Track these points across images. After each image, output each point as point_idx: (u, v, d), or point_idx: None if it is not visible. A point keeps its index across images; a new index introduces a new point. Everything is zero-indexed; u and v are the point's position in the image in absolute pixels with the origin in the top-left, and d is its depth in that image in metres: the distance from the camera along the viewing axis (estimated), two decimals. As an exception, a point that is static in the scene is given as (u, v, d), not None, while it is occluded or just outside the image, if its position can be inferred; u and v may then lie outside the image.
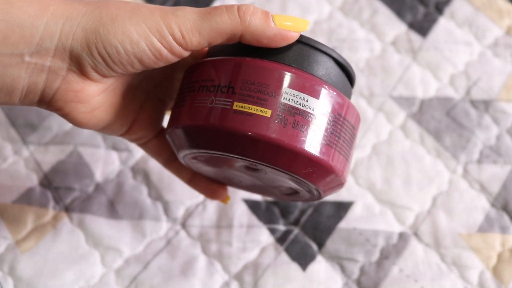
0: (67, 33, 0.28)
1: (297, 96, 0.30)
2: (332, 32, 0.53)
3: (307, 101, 0.30)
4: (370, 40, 0.53)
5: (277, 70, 0.30)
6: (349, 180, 0.46)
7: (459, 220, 0.44)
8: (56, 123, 0.48)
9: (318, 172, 0.31)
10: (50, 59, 0.29)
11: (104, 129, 0.34)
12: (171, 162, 0.39)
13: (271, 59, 0.30)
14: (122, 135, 0.35)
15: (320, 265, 0.42)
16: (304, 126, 0.29)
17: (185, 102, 0.31)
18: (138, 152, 0.47)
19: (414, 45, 0.52)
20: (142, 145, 0.38)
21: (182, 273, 0.42)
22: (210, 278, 0.42)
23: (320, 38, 0.53)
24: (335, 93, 0.31)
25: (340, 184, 0.33)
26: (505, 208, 0.45)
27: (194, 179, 0.39)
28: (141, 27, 0.28)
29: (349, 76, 0.33)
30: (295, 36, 0.30)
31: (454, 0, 0.55)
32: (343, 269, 0.42)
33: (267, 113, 0.29)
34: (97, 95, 0.31)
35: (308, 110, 0.30)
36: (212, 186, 0.40)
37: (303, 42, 0.31)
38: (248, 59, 0.30)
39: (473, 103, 0.49)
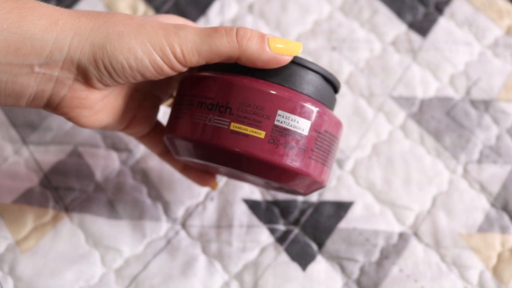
0: (75, 47, 0.30)
1: (289, 118, 0.32)
2: (332, 32, 0.53)
3: (297, 122, 0.32)
4: (370, 40, 0.53)
5: (272, 94, 0.32)
6: (349, 180, 0.46)
7: (459, 220, 0.44)
8: (56, 123, 0.48)
9: (304, 182, 0.34)
10: (58, 70, 0.30)
11: (105, 127, 0.35)
12: (166, 152, 0.40)
13: (266, 79, 0.33)
14: (121, 130, 0.37)
15: (320, 265, 0.42)
16: (294, 145, 0.32)
17: (184, 115, 0.33)
18: (138, 152, 0.47)
19: (414, 45, 0.52)
20: (139, 138, 0.39)
21: (182, 273, 0.42)
22: (210, 278, 0.42)
23: (320, 38, 0.53)
24: (322, 111, 0.33)
25: (321, 187, 0.36)
26: (505, 208, 0.45)
27: (187, 169, 0.42)
28: (146, 45, 0.30)
29: (335, 87, 0.36)
30: (288, 60, 0.32)
31: (454, 0, 0.55)
32: (343, 269, 0.42)
33: (262, 134, 0.31)
34: (100, 101, 0.33)
35: (298, 130, 0.32)
36: (203, 175, 0.42)
37: (295, 62, 0.33)
38: (245, 81, 0.32)
39: (473, 103, 0.49)
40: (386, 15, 0.54)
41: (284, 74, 0.33)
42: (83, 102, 0.32)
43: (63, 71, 0.30)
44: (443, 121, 0.49)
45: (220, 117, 0.32)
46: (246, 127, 0.31)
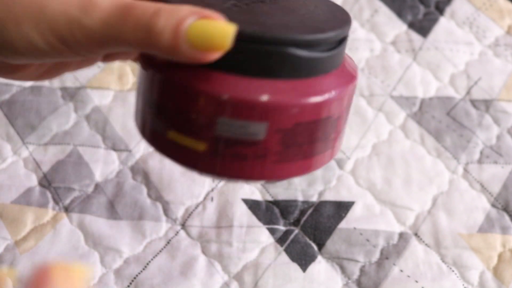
0: None
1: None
2: (332, 32, 0.53)
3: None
4: (370, 40, 0.53)
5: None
6: (349, 180, 0.46)
7: (460, 220, 0.44)
8: (56, 123, 0.48)
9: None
10: None
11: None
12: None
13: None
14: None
15: (320, 266, 0.42)
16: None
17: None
18: (138, 152, 0.47)
19: (414, 45, 0.52)
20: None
21: (182, 274, 0.42)
22: (210, 278, 0.42)
23: (320, 38, 0.53)
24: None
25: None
26: (505, 209, 0.45)
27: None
28: (46, 35, 0.26)
29: None
30: (213, 58, 0.24)
31: (455, 0, 0.55)
32: (343, 270, 0.42)
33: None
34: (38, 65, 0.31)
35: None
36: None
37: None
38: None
39: (474, 103, 0.49)
40: (386, 14, 0.54)
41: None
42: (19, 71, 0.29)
43: None
44: (444, 121, 0.48)
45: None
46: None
